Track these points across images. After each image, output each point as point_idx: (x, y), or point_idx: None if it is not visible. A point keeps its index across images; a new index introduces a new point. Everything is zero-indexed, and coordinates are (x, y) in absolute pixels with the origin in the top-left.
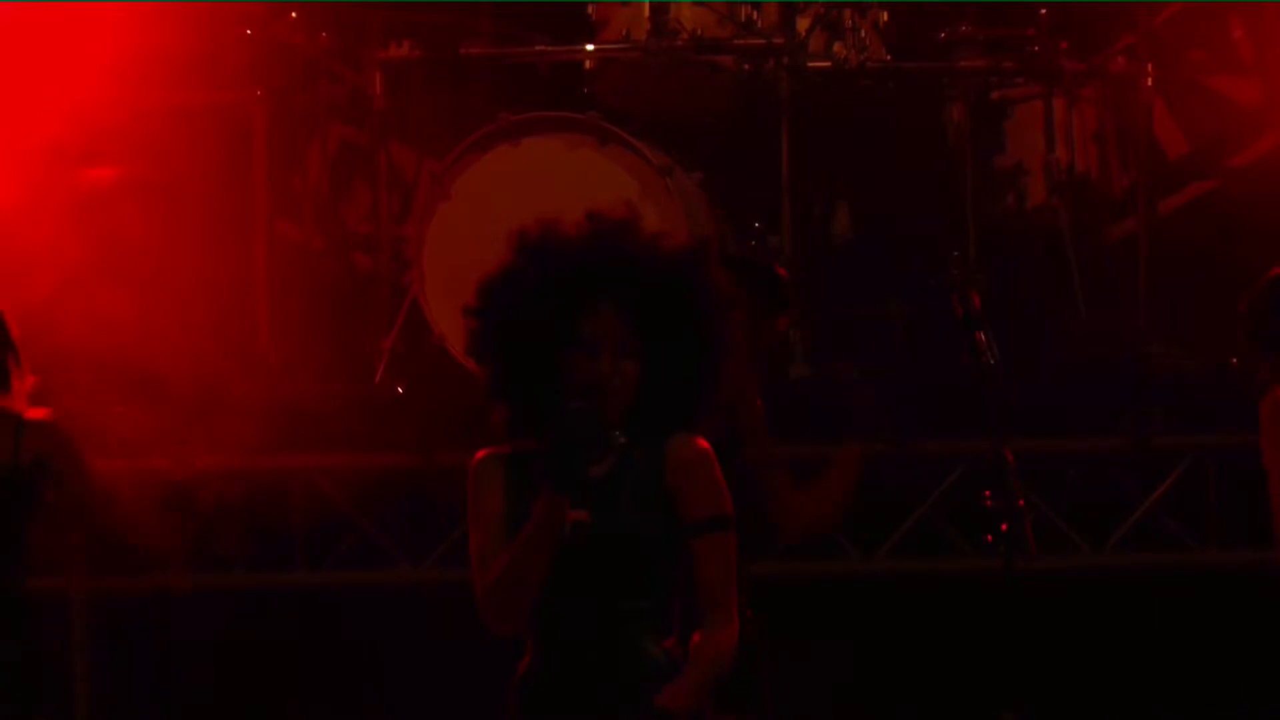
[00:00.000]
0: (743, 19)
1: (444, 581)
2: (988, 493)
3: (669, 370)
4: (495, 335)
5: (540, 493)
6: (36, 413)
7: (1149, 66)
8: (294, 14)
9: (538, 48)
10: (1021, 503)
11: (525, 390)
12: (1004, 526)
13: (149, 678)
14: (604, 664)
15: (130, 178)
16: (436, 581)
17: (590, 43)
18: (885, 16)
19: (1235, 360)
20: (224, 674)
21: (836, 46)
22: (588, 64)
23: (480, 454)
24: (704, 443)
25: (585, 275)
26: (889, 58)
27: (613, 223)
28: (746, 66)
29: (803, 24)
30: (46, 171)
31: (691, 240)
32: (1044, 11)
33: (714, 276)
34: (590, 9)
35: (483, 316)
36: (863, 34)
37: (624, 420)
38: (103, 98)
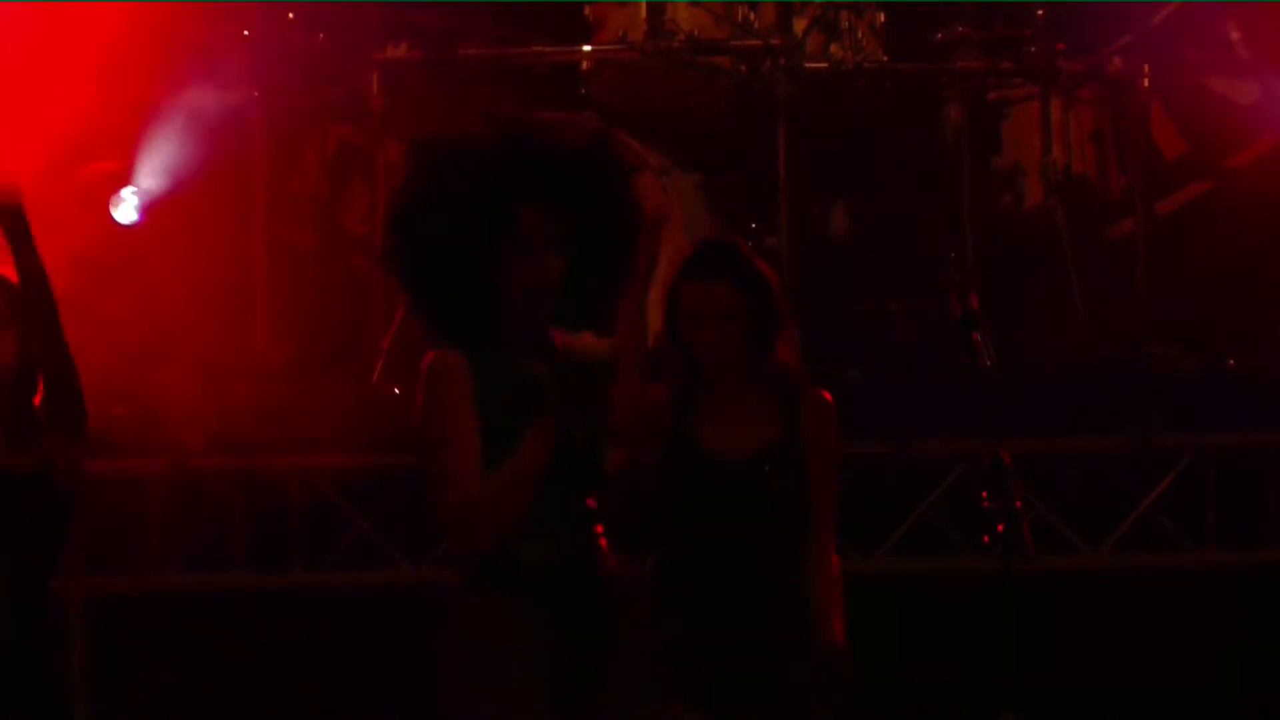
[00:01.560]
0: (739, 20)
1: (443, 581)
2: (985, 493)
3: (591, 259)
4: (421, 255)
5: (540, 420)
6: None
7: (1146, 67)
8: (291, 14)
9: (535, 48)
10: (1019, 503)
11: (460, 304)
12: (1001, 527)
13: (148, 678)
14: (577, 562)
15: (127, 176)
16: (435, 581)
17: (587, 43)
18: (882, 17)
19: (1232, 360)
20: (222, 674)
21: (833, 47)
22: (585, 65)
23: (439, 355)
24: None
25: (504, 180)
26: (886, 59)
27: (515, 123)
28: (743, 67)
29: (799, 25)
30: (45, 170)
31: (593, 123)
32: (1041, 12)
33: (615, 153)
34: (587, 10)
35: (403, 238)
36: (859, 35)
37: (553, 319)
38: (100, 97)
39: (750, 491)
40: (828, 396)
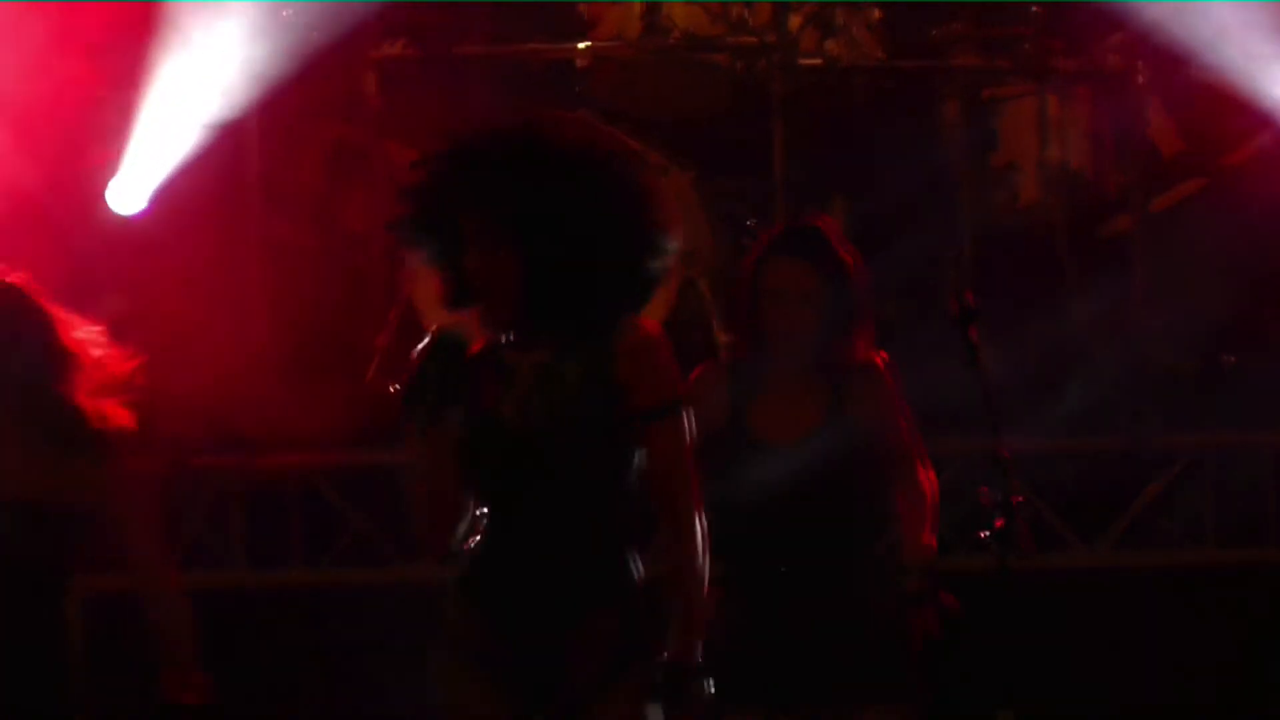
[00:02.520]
0: (735, 17)
1: (440, 579)
2: (983, 491)
3: (552, 248)
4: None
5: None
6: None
7: (1142, 64)
8: (287, 13)
9: (531, 46)
10: (1017, 501)
11: (448, 291)
12: (999, 524)
13: (149, 677)
14: (555, 552)
15: (127, 170)
16: (433, 580)
17: (583, 41)
18: (878, 14)
19: (1230, 358)
20: (220, 671)
21: (829, 44)
22: (580, 62)
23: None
24: (652, 325)
25: (449, 183)
26: (882, 56)
27: (477, 125)
28: (739, 65)
29: (795, 22)
30: (46, 165)
31: (525, 119)
32: (1037, 9)
33: (578, 141)
34: (583, 7)
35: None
36: (855, 32)
37: (517, 313)
38: (99, 91)
39: (791, 475)
40: (878, 360)
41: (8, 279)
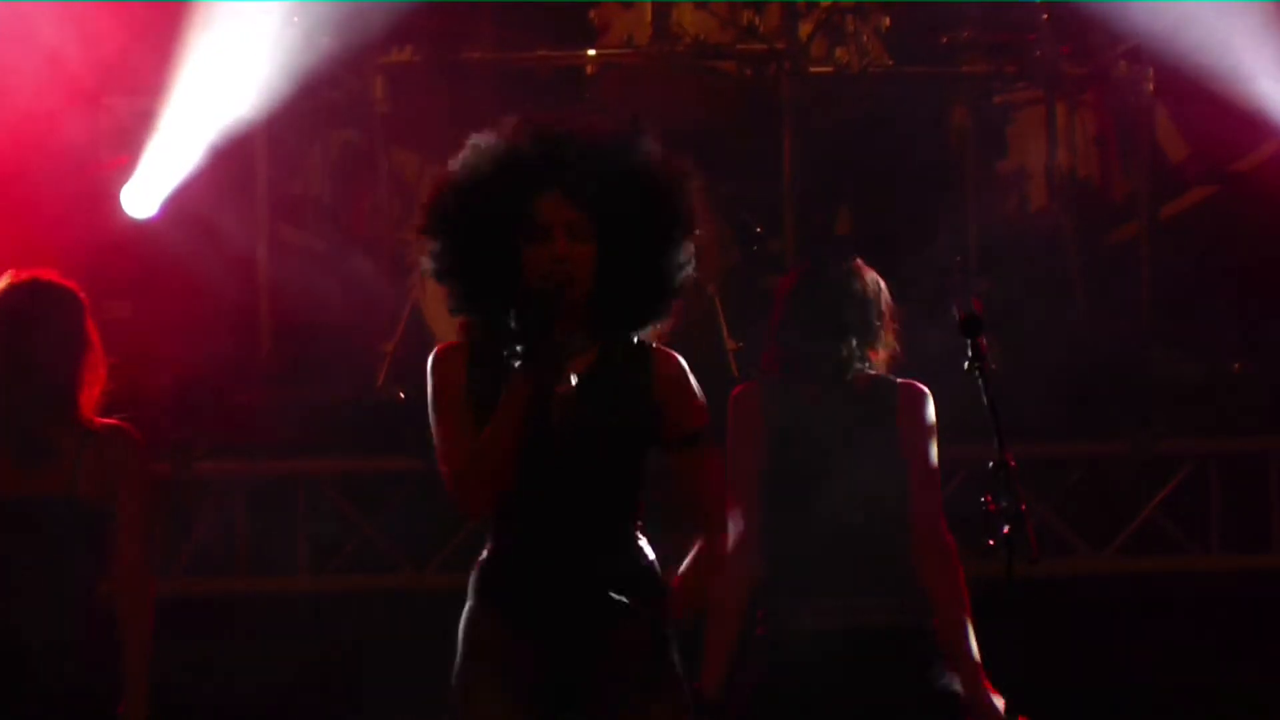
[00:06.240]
0: (744, 24)
1: (447, 586)
2: (989, 497)
3: (626, 250)
4: (454, 247)
5: (514, 371)
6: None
7: (1150, 71)
8: (296, 18)
9: (539, 52)
10: (1023, 507)
11: (492, 293)
12: (1006, 530)
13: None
14: (579, 552)
15: (140, 172)
16: (439, 586)
17: (592, 47)
18: (887, 21)
19: (1237, 365)
20: (225, 677)
21: (838, 51)
22: (589, 69)
23: (441, 348)
24: (680, 359)
25: (528, 168)
26: (891, 62)
27: (553, 117)
28: (748, 72)
29: (804, 29)
30: (56, 167)
31: (629, 121)
32: (1046, 16)
33: (652, 152)
34: (592, 13)
35: (440, 231)
36: (864, 38)
37: (588, 308)
38: (104, 98)
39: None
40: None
41: (63, 283)
